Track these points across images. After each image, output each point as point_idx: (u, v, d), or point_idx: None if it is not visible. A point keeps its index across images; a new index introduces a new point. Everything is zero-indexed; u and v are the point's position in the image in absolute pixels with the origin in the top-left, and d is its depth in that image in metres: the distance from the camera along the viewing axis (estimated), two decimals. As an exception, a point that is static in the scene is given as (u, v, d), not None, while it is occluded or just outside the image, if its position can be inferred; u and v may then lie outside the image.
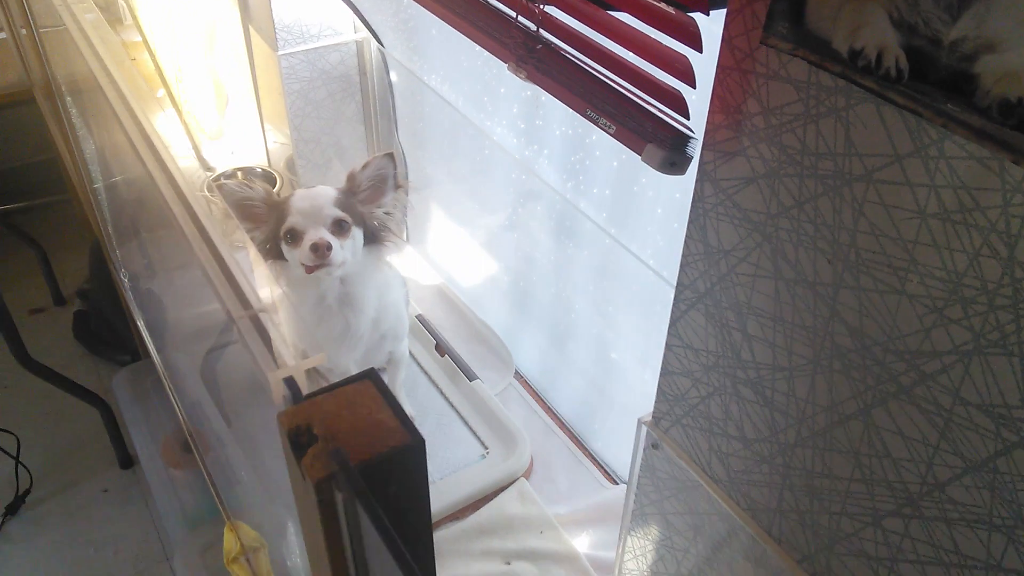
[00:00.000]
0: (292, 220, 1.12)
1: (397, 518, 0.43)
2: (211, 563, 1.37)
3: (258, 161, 1.91)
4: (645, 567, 0.94)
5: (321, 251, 1.09)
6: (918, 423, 0.54)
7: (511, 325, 1.56)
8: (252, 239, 1.17)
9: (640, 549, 0.94)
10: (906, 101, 0.49)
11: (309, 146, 1.72)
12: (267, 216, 1.15)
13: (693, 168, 0.67)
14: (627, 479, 1.25)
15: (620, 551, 0.98)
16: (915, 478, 0.56)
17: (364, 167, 1.19)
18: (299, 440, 0.43)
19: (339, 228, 1.13)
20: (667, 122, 0.59)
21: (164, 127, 2.00)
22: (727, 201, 0.64)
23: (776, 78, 0.56)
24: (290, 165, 1.80)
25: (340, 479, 0.41)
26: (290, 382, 0.44)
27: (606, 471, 1.32)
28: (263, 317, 0.47)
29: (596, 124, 0.63)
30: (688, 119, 0.61)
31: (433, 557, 0.47)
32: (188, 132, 2.00)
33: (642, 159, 0.60)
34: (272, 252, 1.15)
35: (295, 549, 1.02)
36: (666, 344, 0.77)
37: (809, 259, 0.58)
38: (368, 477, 0.41)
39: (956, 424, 0.52)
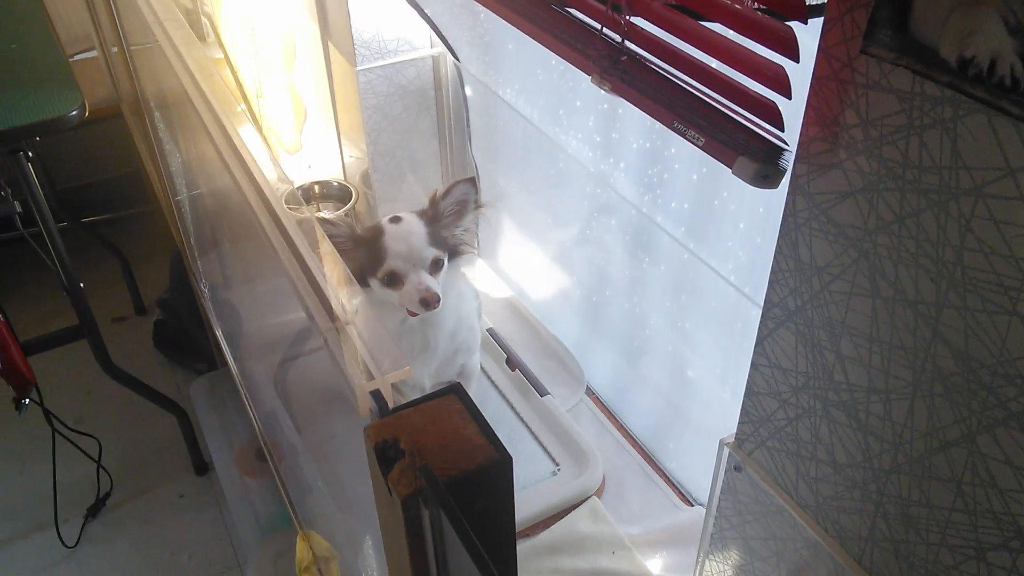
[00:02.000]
0: (393, 264, 1.13)
1: (483, 536, 0.42)
2: (283, 571, 1.39)
3: (334, 175, 1.94)
4: (724, 592, 0.91)
5: (432, 303, 1.10)
6: (1030, 452, 0.51)
7: (583, 340, 1.55)
8: None
9: (719, 573, 0.91)
10: (1022, 112, 0.46)
11: (384, 159, 1.73)
12: (352, 252, 1.16)
13: (783, 183, 0.65)
14: (704, 501, 1.23)
15: (697, 574, 0.95)
16: (1025, 510, 0.53)
17: (447, 194, 1.19)
18: (386, 455, 0.42)
19: (436, 266, 1.15)
20: (759, 134, 0.58)
21: (247, 141, 2.04)
22: (821, 216, 0.61)
23: (877, 88, 0.54)
24: (365, 178, 1.82)
25: (427, 495, 0.40)
26: (377, 395, 0.44)
27: (680, 492, 1.29)
28: (350, 329, 0.47)
29: (684, 136, 0.62)
30: (783, 130, 0.59)
31: (516, 573, 0.46)
32: (267, 146, 2.04)
33: (733, 172, 0.58)
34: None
35: (371, 563, 1.02)
36: (752, 363, 0.75)
37: (910, 277, 0.56)
38: (455, 493, 0.40)
39: (1073, 454, 0.49)
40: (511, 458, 0.42)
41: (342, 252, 1.16)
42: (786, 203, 0.64)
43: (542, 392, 1.43)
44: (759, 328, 0.72)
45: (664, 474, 1.32)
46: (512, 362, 1.50)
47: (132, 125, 2.39)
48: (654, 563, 1.18)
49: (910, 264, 0.55)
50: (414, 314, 1.15)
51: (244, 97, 2.09)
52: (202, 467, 2.12)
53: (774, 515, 0.78)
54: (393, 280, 1.13)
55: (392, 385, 0.54)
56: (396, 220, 1.18)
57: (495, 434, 0.43)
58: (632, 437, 1.39)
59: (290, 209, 1.65)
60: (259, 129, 2.10)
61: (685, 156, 1.11)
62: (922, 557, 0.63)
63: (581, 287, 1.52)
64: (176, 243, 2.19)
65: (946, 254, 0.53)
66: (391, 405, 0.45)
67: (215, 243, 1.66)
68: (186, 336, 2.44)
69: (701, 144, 0.59)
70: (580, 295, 1.53)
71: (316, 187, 1.90)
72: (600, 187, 1.34)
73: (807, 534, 0.74)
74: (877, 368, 0.61)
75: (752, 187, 1.02)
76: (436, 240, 1.16)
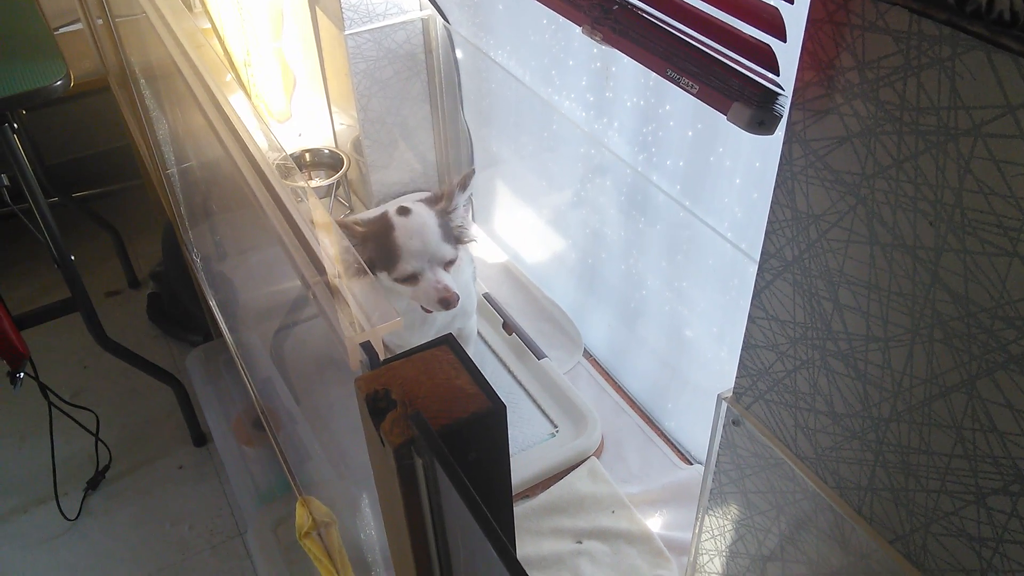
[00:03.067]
0: (410, 265, 1.10)
1: (478, 485, 0.42)
2: (284, 538, 1.39)
3: (325, 142, 1.92)
4: (724, 547, 0.92)
5: (452, 303, 1.10)
6: (1030, 395, 0.51)
7: (579, 303, 1.54)
8: None
9: (718, 528, 0.92)
10: (1022, 47, 0.45)
11: (375, 126, 1.72)
12: (359, 248, 1.12)
13: (779, 132, 0.64)
14: (703, 459, 1.23)
15: (697, 530, 0.96)
16: (1025, 453, 0.53)
17: (463, 185, 1.17)
18: (377, 405, 0.42)
19: (450, 263, 1.13)
20: (754, 79, 0.56)
21: (238, 110, 2.02)
22: (818, 163, 0.60)
23: (873, 29, 0.53)
24: (356, 146, 1.80)
25: (420, 444, 0.40)
26: (367, 347, 0.43)
27: (679, 451, 1.29)
28: (339, 284, 0.46)
29: (678, 84, 0.60)
30: (777, 74, 0.58)
31: (513, 525, 0.46)
32: (256, 115, 2.02)
33: (728, 119, 0.57)
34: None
35: (368, 522, 1.02)
36: (749, 316, 0.74)
37: (908, 221, 0.55)
38: (448, 442, 0.40)
39: (1074, 395, 0.48)
40: (504, 407, 0.41)
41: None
42: (782, 151, 0.63)
43: (539, 355, 1.42)
44: (756, 280, 0.71)
45: (663, 433, 1.32)
46: (509, 326, 1.50)
47: (120, 98, 2.36)
48: (654, 521, 1.18)
49: (908, 208, 0.55)
50: (428, 311, 1.14)
51: (233, 67, 2.06)
52: (200, 438, 2.12)
53: (773, 468, 0.78)
54: (409, 279, 1.11)
55: (387, 349, 0.53)
56: (405, 212, 1.14)
57: (488, 383, 0.43)
58: (630, 398, 1.39)
59: (282, 178, 1.63)
60: (248, 98, 2.07)
61: (679, 113, 1.10)
62: (922, 504, 0.63)
63: (577, 250, 1.51)
64: (168, 216, 2.17)
65: (945, 197, 0.52)
66: (382, 357, 0.44)
67: (207, 214, 1.65)
68: (181, 308, 2.43)
69: (695, 91, 0.58)
70: (576, 258, 1.53)
71: (307, 155, 1.88)
72: (594, 147, 1.33)
73: (807, 486, 0.74)
74: (876, 316, 0.60)
75: (748, 142, 1.01)
76: (448, 234, 1.14)
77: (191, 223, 1.95)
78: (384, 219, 1.13)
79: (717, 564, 0.95)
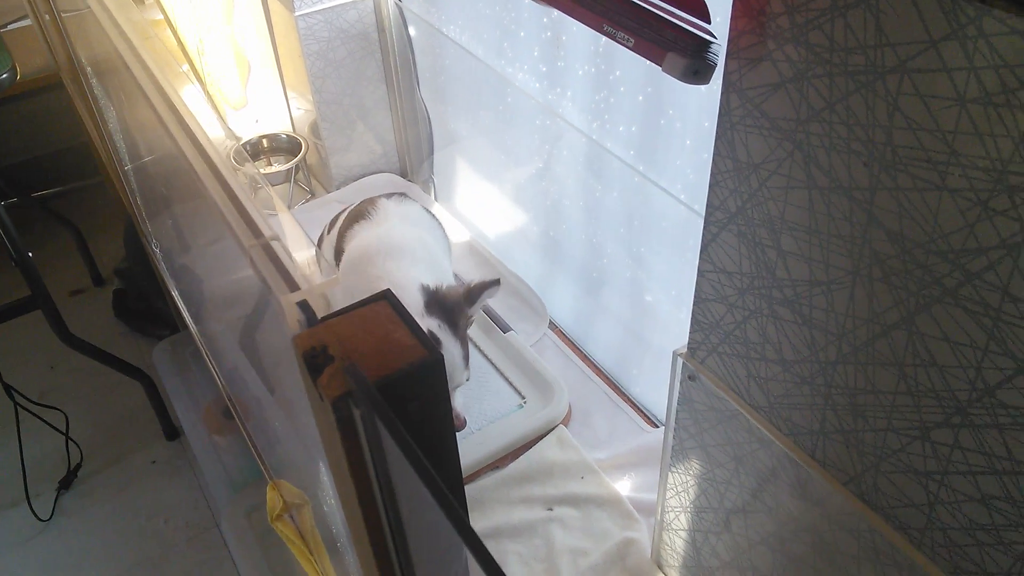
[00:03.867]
0: None
1: (419, 435, 0.42)
2: (257, 524, 1.39)
3: (283, 128, 1.91)
4: (688, 502, 0.93)
5: (460, 428, 1.09)
6: (965, 326, 0.52)
7: (543, 275, 1.55)
8: None
9: (682, 485, 0.93)
10: (940, -20, 0.46)
11: (332, 108, 1.70)
12: None
13: (716, 81, 0.64)
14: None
15: (662, 488, 0.97)
16: (964, 385, 0.54)
17: (477, 298, 1.14)
18: (315, 362, 0.42)
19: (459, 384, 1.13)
20: (687, 29, 0.57)
21: (189, 101, 1.99)
22: (755, 111, 0.61)
23: (800, -28, 0.53)
24: (314, 129, 1.79)
25: (357, 396, 0.40)
26: (304, 306, 0.43)
27: (646, 415, 1.30)
28: (276, 245, 0.46)
29: (615, 39, 0.61)
30: (709, 22, 0.58)
31: (460, 474, 0.46)
32: (212, 104, 2.00)
33: (663, 70, 0.58)
34: None
35: (328, 490, 1.02)
36: (698, 270, 0.75)
37: (843, 163, 0.56)
38: (387, 394, 0.40)
39: (1005, 323, 0.49)
40: (441, 356, 0.41)
41: None
42: (720, 102, 0.64)
43: (505, 329, 1.43)
44: (703, 234, 0.72)
45: (629, 399, 1.33)
46: (474, 302, 1.49)
47: (74, 94, 2.32)
48: (622, 484, 1.19)
49: (842, 150, 0.55)
50: None
51: (187, 57, 2.03)
52: (172, 432, 2.11)
53: (729, 420, 0.79)
54: None
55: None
56: (436, 344, 1.09)
57: (425, 335, 0.43)
58: (596, 366, 1.40)
59: (237, 165, 1.62)
60: (204, 87, 2.05)
61: (629, 78, 1.10)
62: (871, 444, 0.64)
63: (538, 223, 1.52)
64: (128, 211, 2.15)
65: (876, 135, 0.53)
66: (320, 315, 0.44)
67: (163, 206, 1.63)
68: (146, 304, 2.40)
69: (631, 45, 0.58)
70: (538, 231, 1.53)
71: (264, 141, 1.86)
72: (550, 118, 1.33)
73: (762, 435, 0.75)
74: (817, 260, 0.61)
75: (696, 103, 1.01)
76: (466, 355, 1.12)
77: (150, 216, 1.92)
78: None
79: (683, 520, 0.96)
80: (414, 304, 1.10)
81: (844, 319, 0.61)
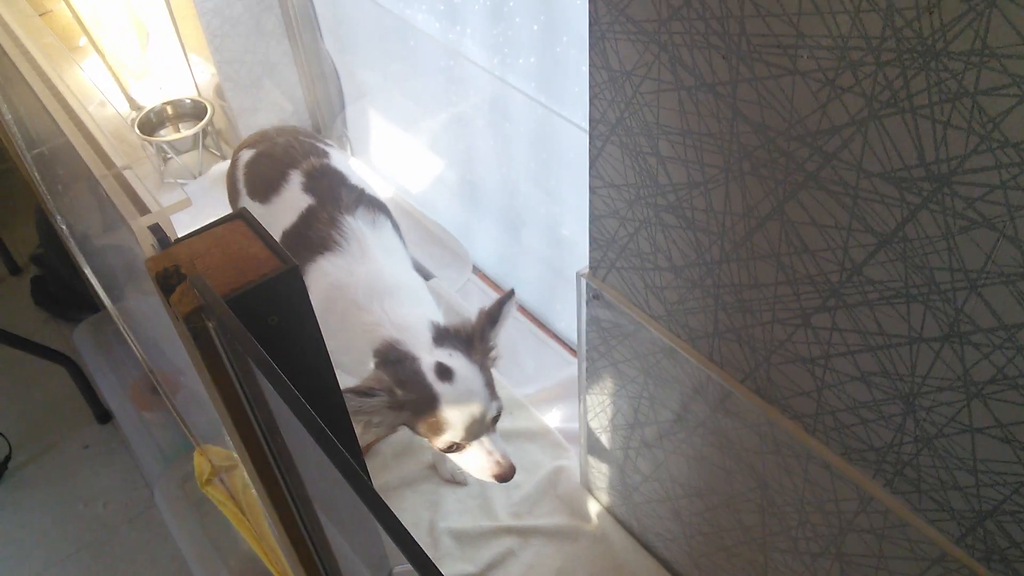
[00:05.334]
0: (458, 436, 0.95)
1: (285, 348, 0.42)
2: (191, 493, 1.38)
3: (187, 93, 1.85)
4: (607, 422, 0.94)
5: (508, 477, 0.95)
6: (829, 207, 0.53)
7: (464, 221, 1.54)
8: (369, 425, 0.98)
9: (600, 406, 0.94)
10: None
11: (234, 67, 1.66)
12: (393, 418, 0.97)
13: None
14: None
15: (582, 412, 0.98)
16: (834, 267, 0.55)
17: (496, 320, 1.01)
18: (168, 283, 0.41)
19: (497, 417, 0.98)
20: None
21: (90, 74, 1.93)
22: (621, 17, 0.61)
23: None
24: (219, 91, 1.74)
25: (208, 310, 0.39)
26: (155, 229, 0.42)
27: (570, 347, 1.32)
28: (127, 174, 0.45)
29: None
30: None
31: (337, 385, 0.46)
32: (114, 75, 1.94)
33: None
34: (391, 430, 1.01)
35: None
36: (590, 188, 0.75)
37: (705, 59, 0.56)
38: (242, 307, 0.40)
39: (863, 199, 0.51)
40: (297, 266, 0.41)
41: (378, 416, 0.95)
42: (589, 12, 0.64)
43: (427, 277, 1.42)
44: (589, 150, 0.73)
45: (554, 334, 1.35)
46: (394, 253, 1.48)
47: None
48: (551, 416, 1.21)
49: (703, 46, 0.56)
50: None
51: (84, 29, 1.96)
52: (104, 415, 2.06)
53: (633, 334, 0.80)
54: (453, 448, 0.97)
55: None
56: (447, 376, 0.94)
57: (282, 248, 0.43)
58: (521, 305, 1.41)
59: (143, 136, 1.56)
60: (104, 59, 1.98)
61: (522, 8, 1.09)
62: (760, 338, 0.66)
63: (455, 169, 1.51)
64: (36, 197, 2.08)
65: (731, 27, 0.53)
66: (172, 238, 0.43)
67: (64, 185, 1.58)
68: (66, 288, 2.34)
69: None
70: (455, 177, 1.52)
71: (168, 108, 1.81)
72: (453, 58, 1.31)
73: (663, 343, 0.76)
74: (693, 161, 0.62)
75: (586, 26, 1.01)
76: (492, 386, 0.97)
77: (53, 197, 1.87)
78: (425, 385, 0.94)
79: (604, 441, 0.98)
80: (424, 341, 1.00)
81: (723, 217, 0.62)
